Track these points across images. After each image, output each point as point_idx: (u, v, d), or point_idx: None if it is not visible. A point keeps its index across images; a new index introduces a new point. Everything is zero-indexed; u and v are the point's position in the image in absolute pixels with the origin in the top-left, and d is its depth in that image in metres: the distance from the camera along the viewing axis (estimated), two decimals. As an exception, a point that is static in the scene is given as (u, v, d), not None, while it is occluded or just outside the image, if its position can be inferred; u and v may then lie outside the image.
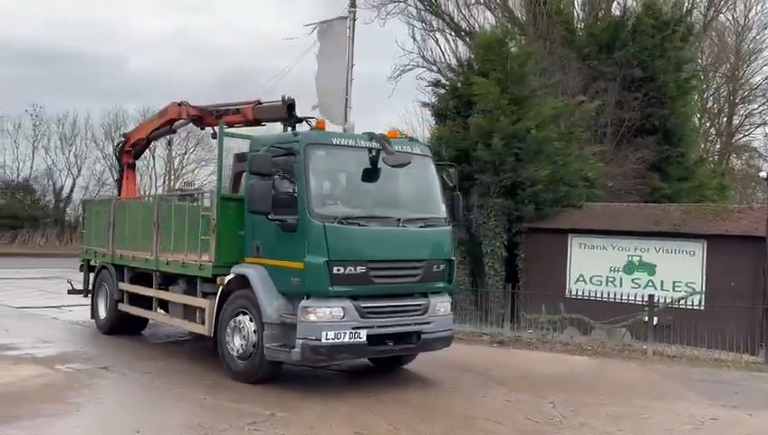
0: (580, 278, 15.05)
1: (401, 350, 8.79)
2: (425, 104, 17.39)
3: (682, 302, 13.45)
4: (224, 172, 9.62)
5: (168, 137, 15.16)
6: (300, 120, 10.12)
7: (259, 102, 11.12)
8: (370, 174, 8.38)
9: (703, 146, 31.52)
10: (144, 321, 12.06)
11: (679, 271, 14.18)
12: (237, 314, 8.66)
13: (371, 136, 8.57)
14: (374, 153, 8.34)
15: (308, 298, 7.90)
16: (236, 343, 8.62)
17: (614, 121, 20.44)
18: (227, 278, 8.88)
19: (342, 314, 7.84)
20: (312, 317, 7.76)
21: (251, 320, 8.48)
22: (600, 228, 15.10)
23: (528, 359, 11.59)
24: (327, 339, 7.72)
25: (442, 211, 9.09)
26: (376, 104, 34.29)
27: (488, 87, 15.12)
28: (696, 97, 31.45)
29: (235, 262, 8.93)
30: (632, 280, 14.58)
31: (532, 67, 16.35)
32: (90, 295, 13.20)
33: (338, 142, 8.44)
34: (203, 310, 9.33)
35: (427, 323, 8.64)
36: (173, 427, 6.76)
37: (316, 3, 30.31)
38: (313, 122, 9.73)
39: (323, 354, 7.84)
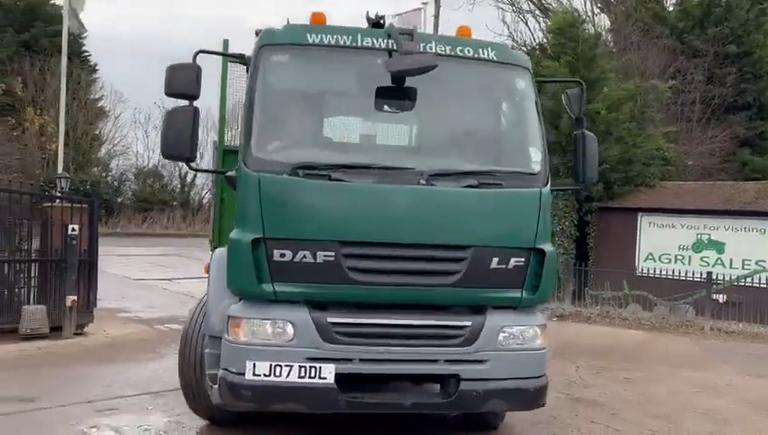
0: (649, 256, 15.29)
1: (414, 406, 4.99)
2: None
3: (747, 280, 13.43)
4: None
5: None
6: None
7: None
8: (380, 94, 4.96)
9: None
10: None
11: (749, 249, 14.14)
12: None
13: (388, 32, 4.99)
14: (385, 60, 4.84)
15: (240, 301, 4.83)
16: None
17: (702, 99, 20.09)
18: (205, 263, 6.36)
19: (290, 334, 4.64)
20: (240, 334, 4.65)
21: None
22: (670, 207, 15.23)
23: (580, 331, 12.19)
24: (255, 374, 4.53)
25: (528, 161, 5.15)
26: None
27: (557, 70, 15.57)
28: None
29: None
30: (701, 258, 14.67)
31: (603, 49, 16.56)
32: None
33: (319, 41, 4.88)
34: None
35: (476, 362, 4.85)
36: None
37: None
38: None
39: (248, 399, 4.62)
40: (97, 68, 37.21)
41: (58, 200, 10.32)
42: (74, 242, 9.43)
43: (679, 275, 13.94)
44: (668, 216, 15.22)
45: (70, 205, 9.90)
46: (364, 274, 4.70)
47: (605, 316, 13.54)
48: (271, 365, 4.56)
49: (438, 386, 4.96)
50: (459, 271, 4.80)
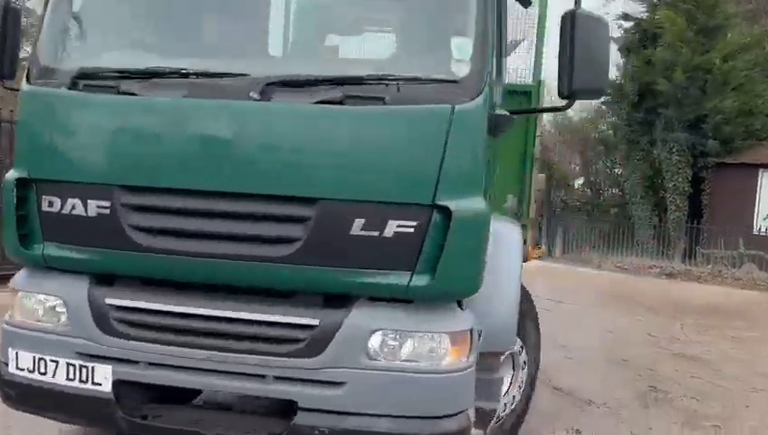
0: (769, 215, 14.55)
1: None
2: (611, 38, 17.32)
3: None
4: None
5: None
6: None
7: None
8: None
9: None
10: None
11: None
12: None
13: None
14: None
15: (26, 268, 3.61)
16: None
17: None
18: None
19: (63, 317, 3.34)
20: (15, 312, 3.49)
21: None
22: (795, 163, 14.36)
23: (689, 290, 11.93)
24: (18, 368, 3.37)
25: (444, 60, 3.10)
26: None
27: (673, 18, 14.86)
28: None
29: None
30: (828, 218, 13.81)
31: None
32: None
33: None
34: None
35: (324, 383, 3.03)
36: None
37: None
38: None
39: (13, 400, 3.44)
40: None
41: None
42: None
43: (802, 235, 13.23)
44: (793, 172, 14.37)
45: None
46: (153, 235, 3.13)
47: (716, 276, 13.11)
48: (35, 358, 3.31)
49: (282, 413, 3.09)
50: (299, 238, 2.98)
